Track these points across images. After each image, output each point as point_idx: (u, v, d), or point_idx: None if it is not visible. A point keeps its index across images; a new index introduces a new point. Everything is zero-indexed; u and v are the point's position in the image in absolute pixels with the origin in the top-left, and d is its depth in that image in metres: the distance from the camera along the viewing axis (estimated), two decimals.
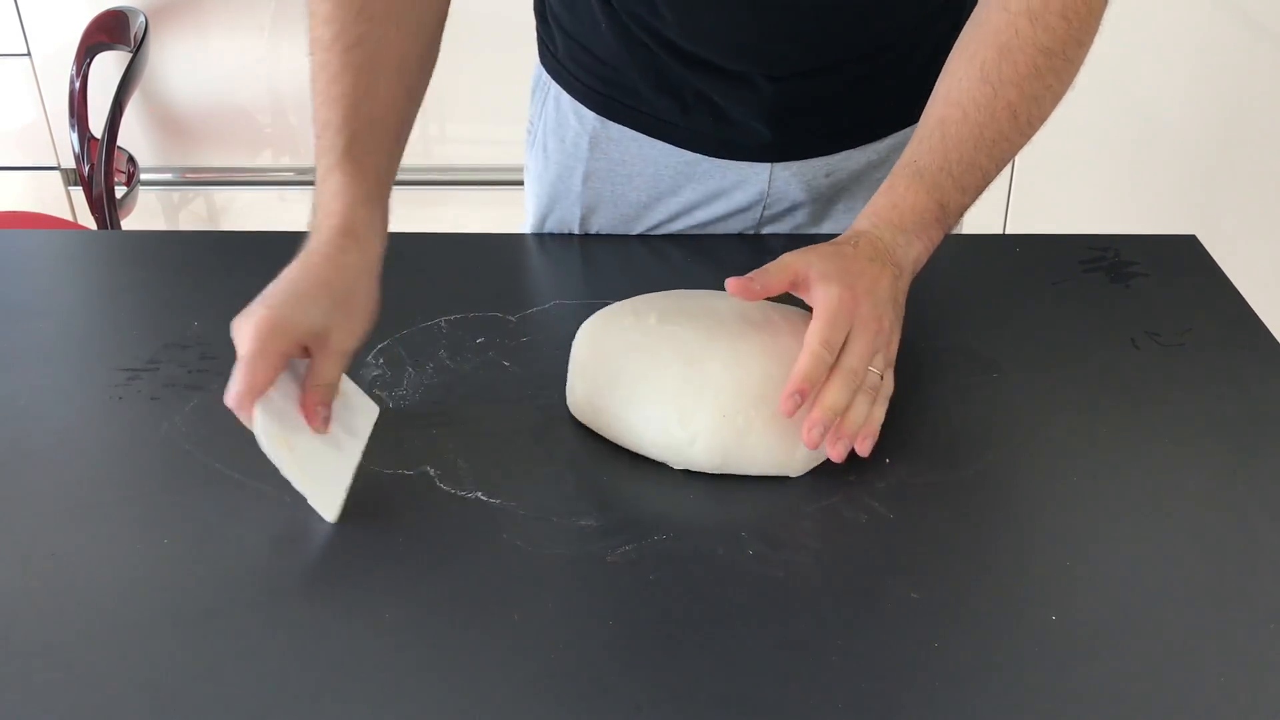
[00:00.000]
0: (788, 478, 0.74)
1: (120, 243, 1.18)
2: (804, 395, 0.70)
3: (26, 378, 0.85)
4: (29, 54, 1.99)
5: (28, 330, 0.92)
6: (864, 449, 0.72)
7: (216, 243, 1.11)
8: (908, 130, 0.96)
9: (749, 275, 0.74)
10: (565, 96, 1.03)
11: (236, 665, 0.61)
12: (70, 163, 2.00)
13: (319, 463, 0.72)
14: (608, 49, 0.97)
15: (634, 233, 1.05)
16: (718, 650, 0.61)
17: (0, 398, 0.83)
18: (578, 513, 0.71)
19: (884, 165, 1.02)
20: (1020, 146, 0.81)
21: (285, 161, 2.05)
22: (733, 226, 1.05)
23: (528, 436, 0.78)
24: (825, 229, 1.06)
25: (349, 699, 0.59)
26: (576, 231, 1.07)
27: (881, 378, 0.75)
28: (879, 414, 0.74)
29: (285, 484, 0.73)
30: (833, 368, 0.71)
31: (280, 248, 1.00)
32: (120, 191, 1.91)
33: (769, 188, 1.01)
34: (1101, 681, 0.59)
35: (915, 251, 0.79)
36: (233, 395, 0.69)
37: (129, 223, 1.96)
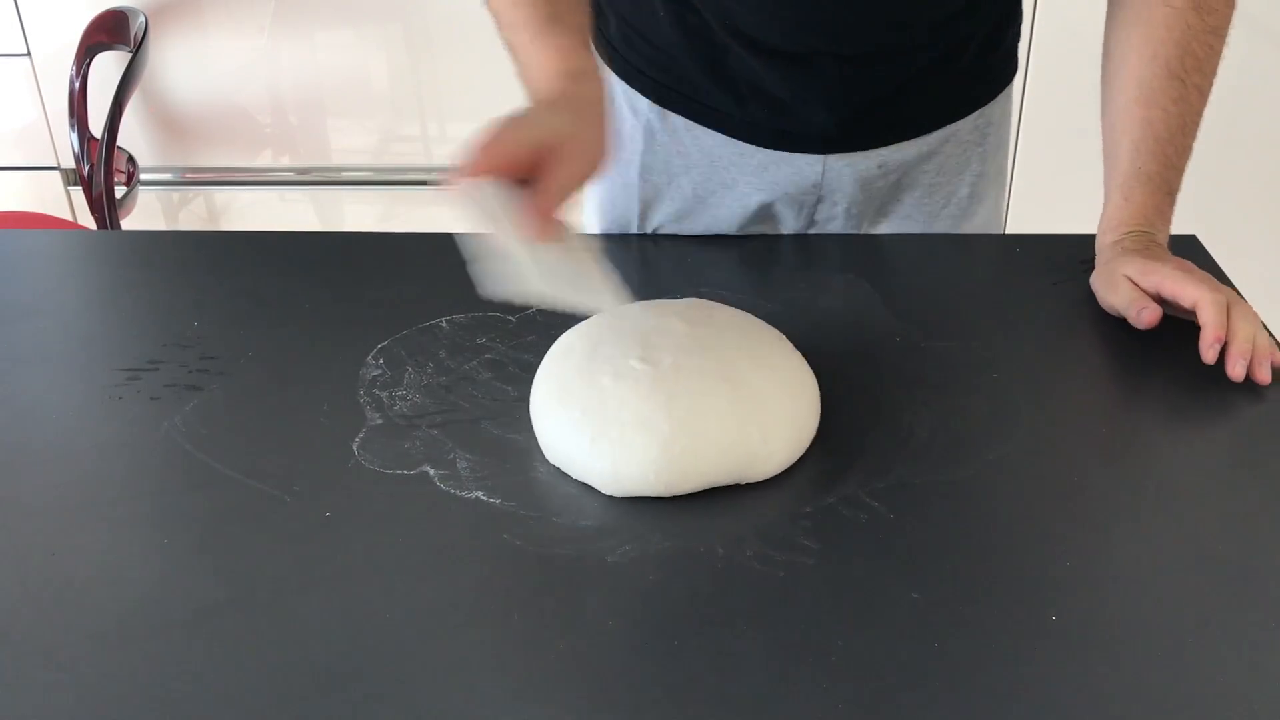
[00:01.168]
0: (788, 478, 0.74)
1: (120, 243, 1.18)
2: (1221, 339, 0.81)
3: (26, 378, 0.85)
4: (29, 54, 1.99)
5: (28, 330, 0.92)
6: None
7: (216, 243, 1.11)
8: (961, 123, 1.00)
9: (1150, 312, 0.85)
10: (619, 87, 1.04)
11: (236, 665, 0.61)
12: (70, 163, 2.01)
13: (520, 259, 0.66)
14: (665, 36, 0.98)
15: (694, 231, 1.06)
16: (718, 650, 0.61)
17: (0, 398, 0.83)
18: (578, 513, 0.71)
19: (934, 157, 1.03)
20: (1203, 113, 0.92)
21: (285, 161, 2.05)
22: (786, 220, 1.05)
23: (528, 437, 0.78)
24: (881, 229, 1.07)
25: (349, 699, 0.59)
26: (635, 230, 1.07)
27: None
28: (1265, 336, 0.83)
29: (285, 484, 0.74)
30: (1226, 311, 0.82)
31: (280, 248, 1.01)
32: (120, 191, 1.91)
33: (822, 179, 1.02)
34: (1102, 681, 0.59)
35: (1165, 235, 0.92)
36: (465, 163, 0.65)
37: (129, 223, 1.96)
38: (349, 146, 2.04)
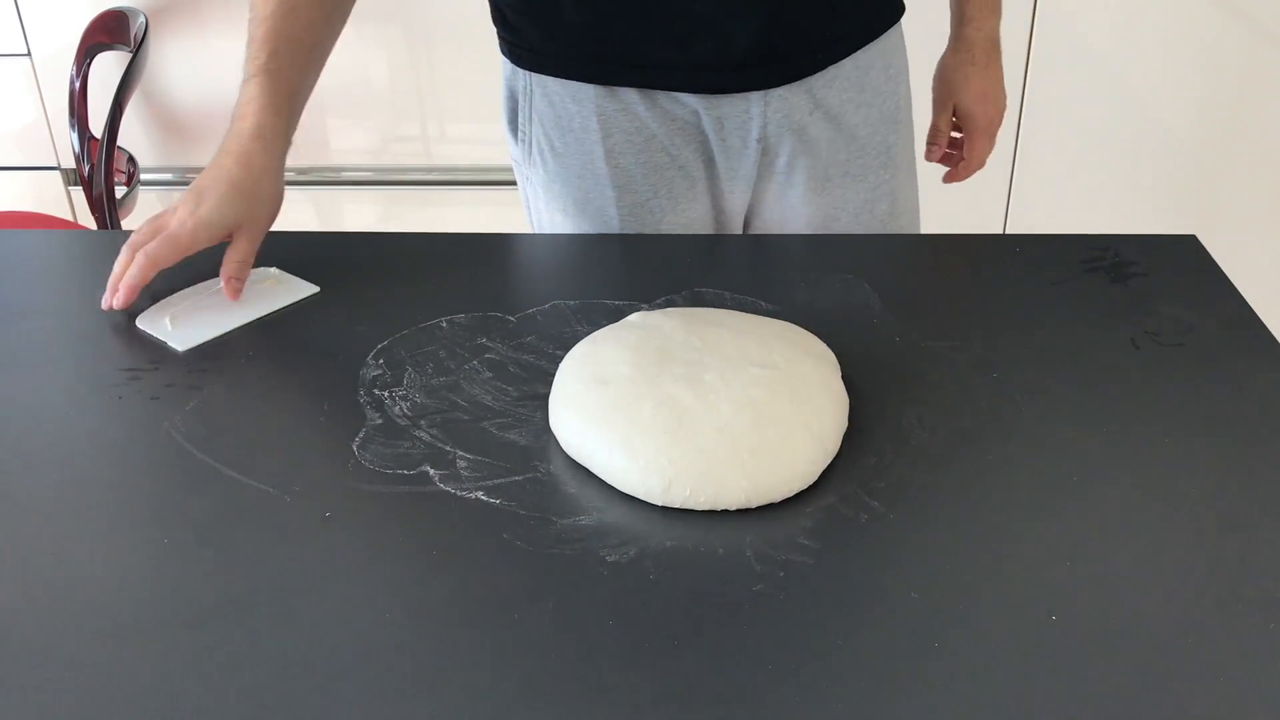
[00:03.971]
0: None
1: (120, 243, 1.18)
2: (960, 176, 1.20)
3: (26, 378, 0.85)
4: (29, 54, 1.99)
5: (28, 330, 0.92)
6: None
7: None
8: (874, 45, 1.07)
9: (932, 144, 1.19)
10: (553, 84, 1.05)
11: (236, 665, 0.61)
12: (70, 163, 2.00)
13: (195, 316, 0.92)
14: (605, 7, 0.99)
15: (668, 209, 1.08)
16: (718, 650, 0.61)
17: (0, 398, 0.83)
18: (578, 513, 0.71)
19: (862, 107, 1.08)
20: None
21: (286, 162, 2.05)
22: (739, 179, 1.08)
23: (528, 437, 0.78)
24: (822, 199, 1.10)
25: (349, 699, 0.59)
26: (616, 217, 1.08)
27: None
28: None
29: (285, 484, 0.74)
30: None
31: (280, 247, 1.01)
32: (120, 191, 1.91)
33: (765, 121, 1.04)
34: (1101, 681, 0.59)
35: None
36: (136, 269, 0.91)
37: (129, 223, 1.96)
38: (349, 146, 2.04)
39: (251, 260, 0.94)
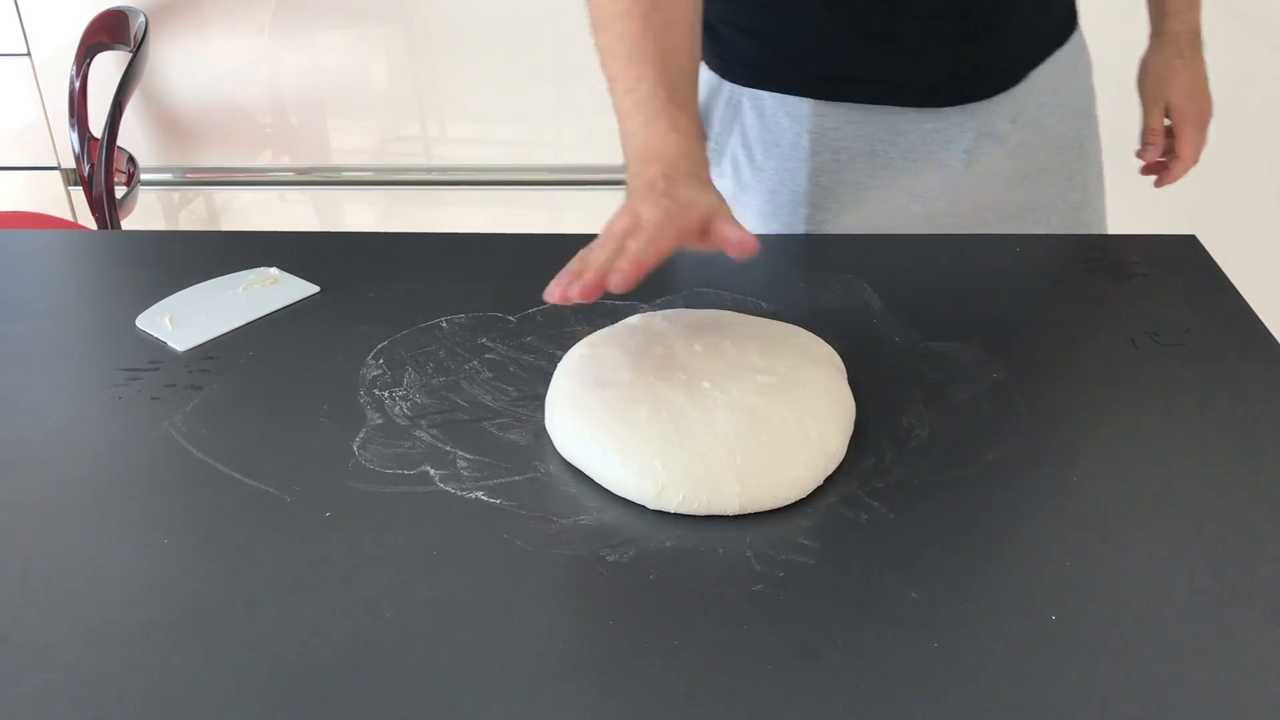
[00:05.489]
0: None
1: (120, 243, 1.18)
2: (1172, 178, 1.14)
3: (26, 378, 0.85)
4: (29, 54, 1.99)
5: (28, 330, 0.92)
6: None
7: (216, 243, 1.11)
8: (1064, 46, 1.11)
9: (1150, 144, 1.15)
10: (768, 100, 1.06)
11: (236, 665, 0.61)
12: (70, 163, 2.01)
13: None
14: (820, 27, 1.02)
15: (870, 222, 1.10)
16: (718, 650, 0.61)
17: (0, 397, 0.83)
18: (578, 513, 0.71)
19: (1058, 109, 1.11)
20: None
21: (285, 161, 2.05)
22: (945, 190, 1.09)
23: (528, 436, 0.78)
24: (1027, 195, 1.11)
25: (349, 699, 0.59)
26: (802, 229, 1.09)
27: None
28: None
29: (285, 484, 0.74)
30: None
31: (280, 247, 1.01)
32: (120, 191, 1.91)
33: (973, 132, 1.06)
34: (1101, 681, 0.59)
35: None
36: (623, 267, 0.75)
37: (129, 223, 1.96)
38: (349, 146, 2.04)
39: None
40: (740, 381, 0.76)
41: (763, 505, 0.71)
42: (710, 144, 1.12)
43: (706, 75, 1.10)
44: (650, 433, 0.73)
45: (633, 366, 0.78)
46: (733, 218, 0.80)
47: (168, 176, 2.11)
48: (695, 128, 0.84)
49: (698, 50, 0.90)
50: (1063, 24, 1.13)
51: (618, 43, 0.86)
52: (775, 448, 0.72)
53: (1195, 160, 1.14)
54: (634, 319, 0.86)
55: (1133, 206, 2.03)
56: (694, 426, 0.73)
